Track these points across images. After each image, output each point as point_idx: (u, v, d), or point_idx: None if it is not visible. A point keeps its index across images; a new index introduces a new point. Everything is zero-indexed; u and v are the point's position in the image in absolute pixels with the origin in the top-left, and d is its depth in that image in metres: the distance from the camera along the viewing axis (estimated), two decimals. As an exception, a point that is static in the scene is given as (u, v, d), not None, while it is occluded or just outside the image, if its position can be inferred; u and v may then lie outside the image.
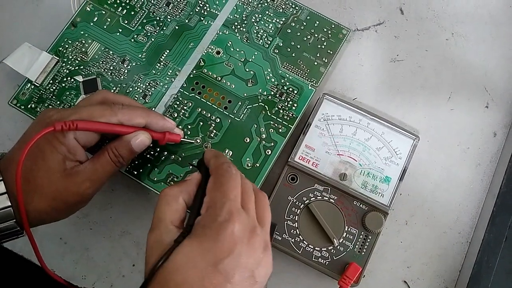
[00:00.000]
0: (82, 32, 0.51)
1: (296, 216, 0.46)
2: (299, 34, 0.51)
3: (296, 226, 0.46)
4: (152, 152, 0.47)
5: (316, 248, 0.46)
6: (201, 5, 0.52)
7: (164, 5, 0.51)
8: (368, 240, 0.46)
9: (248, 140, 0.48)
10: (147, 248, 0.34)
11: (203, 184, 0.36)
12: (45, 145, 0.38)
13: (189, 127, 0.48)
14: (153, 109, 0.48)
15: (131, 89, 0.49)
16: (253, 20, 0.51)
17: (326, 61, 0.50)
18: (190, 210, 0.36)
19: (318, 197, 0.47)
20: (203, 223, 0.33)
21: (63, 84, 0.49)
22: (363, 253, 0.46)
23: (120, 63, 0.50)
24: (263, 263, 0.34)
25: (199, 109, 0.48)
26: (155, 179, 0.46)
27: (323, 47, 0.51)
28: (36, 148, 0.38)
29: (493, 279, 0.45)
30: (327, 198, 0.47)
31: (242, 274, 0.32)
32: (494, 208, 0.47)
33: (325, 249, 0.46)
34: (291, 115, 0.48)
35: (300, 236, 0.46)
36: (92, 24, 0.51)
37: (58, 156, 0.38)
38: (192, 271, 0.32)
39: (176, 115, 0.48)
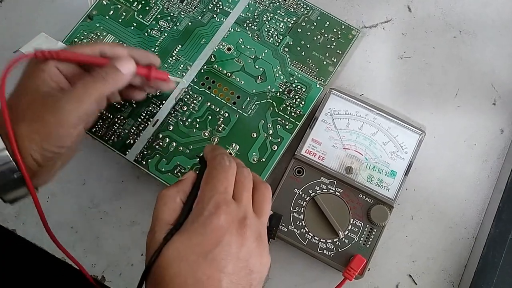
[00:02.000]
0: (97, 25, 0.52)
1: (302, 208, 0.47)
2: (309, 33, 0.52)
3: (302, 218, 0.47)
4: (161, 143, 0.48)
5: (321, 240, 0.46)
6: (214, 3, 0.53)
7: (178, 2, 0.53)
8: (373, 233, 0.46)
9: (255, 135, 0.49)
10: (146, 248, 0.35)
11: (199, 180, 0.37)
12: (29, 74, 0.39)
13: (198, 120, 0.49)
14: (164, 101, 0.50)
15: (142, 81, 0.50)
16: (264, 19, 0.53)
17: (335, 60, 0.51)
18: (183, 207, 0.36)
19: (324, 190, 0.47)
20: (192, 218, 0.34)
21: (77, 74, 0.51)
22: (368, 245, 0.46)
23: (133, 56, 0.51)
24: (256, 253, 0.34)
25: (208, 104, 0.50)
26: (163, 169, 0.47)
27: (332, 47, 0.52)
28: (22, 78, 0.39)
29: (499, 274, 0.45)
30: (332, 191, 0.47)
31: (236, 264, 0.33)
32: (501, 203, 0.47)
33: (330, 241, 0.46)
34: (298, 112, 0.49)
35: (305, 228, 0.46)
36: (107, 17, 0.53)
37: (37, 81, 0.38)
38: (183, 264, 0.32)
39: (185, 108, 0.49)
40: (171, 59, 0.51)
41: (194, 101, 0.50)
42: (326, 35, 0.52)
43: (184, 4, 0.53)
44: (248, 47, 0.52)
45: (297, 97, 0.50)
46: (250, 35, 0.52)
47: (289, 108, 0.49)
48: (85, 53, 0.40)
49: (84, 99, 0.38)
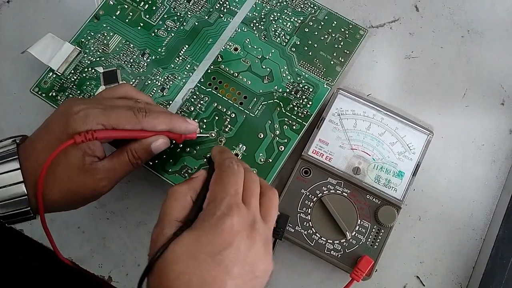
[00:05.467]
0: (104, 25, 0.52)
1: (309, 209, 0.47)
2: (316, 33, 0.52)
3: (309, 218, 0.47)
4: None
5: (328, 241, 0.46)
6: (221, 2, 0.53)
7: (185, 2, 0.53)
8: (381, 234, 0.46)
9: (262, 136, 0.48)
10: (150, 242, 0.35)
11: (208, 180, 0.37)
12: (67, 141, 0.39)
13: (205, 121, 0.49)
14: (171, 102, 0.50)
15: (149, 82, 0.50)
16: (271, 19, 0.52)
17: (342, 60, 0.51)
18: (193, 205, 0.36)
19: (331, 191, 0.47)
20: (203, 217, 0.34)
21: (84, 74, 0.51)
22: (375, 246, 0.46)
23: (140, 56, 0.51)
24: (263, 258, 0.35)
25: (215, 104, 0.49)
26: (169, 170, 0.47)
27: (340, 46, 0.51)
28: (58, 142, 0.38)
29: (507, 275, 0.44)
30: (340, 192, 0.47)
31: (242, 268, 0.33)
32: (509, 205, 0.47)
33: (338, 242, 0.46)
34: (305, 112, 0.49)
35: (312, 229, 0.46)
36: (114, 17, 0.53)
37: (78, 152, 0.39)
38: (191, 262, 0.32)
39: (192, 109, 0.49)
40: (178, 59, 0.51)
41: (201, 102, 0.50)
42: (333, 35, 0.52)
43: (191, 4, 0.53)
44: (255, 47, 0.51)
45: (304, 97, 0.50)
46: (257, 35, 0.52)
47: (296, 108, 0.49)
48: (125, 128, 0.40)
49: (119, 179, 0.42)
